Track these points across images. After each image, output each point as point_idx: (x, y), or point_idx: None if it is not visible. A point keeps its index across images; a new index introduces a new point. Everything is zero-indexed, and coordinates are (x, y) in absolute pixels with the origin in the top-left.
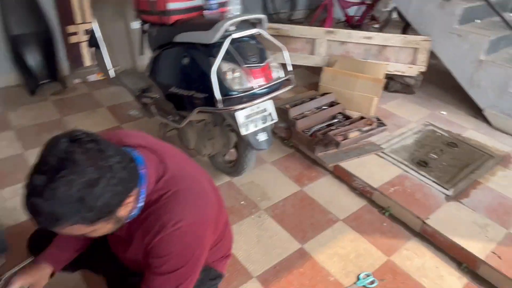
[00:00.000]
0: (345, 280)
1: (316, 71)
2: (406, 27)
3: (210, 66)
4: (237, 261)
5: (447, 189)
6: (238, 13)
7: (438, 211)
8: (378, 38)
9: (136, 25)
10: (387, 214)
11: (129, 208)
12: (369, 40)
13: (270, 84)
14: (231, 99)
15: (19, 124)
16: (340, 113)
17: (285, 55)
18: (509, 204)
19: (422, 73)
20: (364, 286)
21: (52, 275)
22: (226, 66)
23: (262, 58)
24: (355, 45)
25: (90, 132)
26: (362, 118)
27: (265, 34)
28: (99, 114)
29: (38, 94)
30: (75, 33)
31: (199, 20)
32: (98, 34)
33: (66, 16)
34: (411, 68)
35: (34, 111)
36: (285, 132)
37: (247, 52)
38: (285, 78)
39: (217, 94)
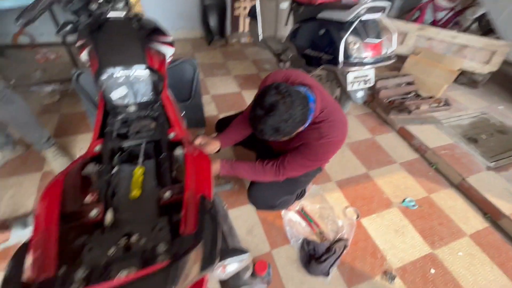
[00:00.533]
0: (394, 199)
1: (399, 58)
2: (483, 36)
3: (340, 37)
4: (324, 170)
5: (489, 162)
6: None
7: (477, 174)
8: (462, 38)
9: (284, 5)
10: (434, 167)
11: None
12: (453, 39)
13: (378, 57)
14: (348, 62)
15: (201, 62)
16: (414, 91)
17: (394, 37)
18: None
19: (489, 72)
20: (407, 206)
21: (218, 150)
22: (352, 39)
23: (378, 36)
24: (439, 42)
25: (289, 86)
26: (431, 97)
27: (384, 19)
28: (246, 63)
29: (212, 45)
30: (238, 8)
31: (339, 3)
32: (258, 8)
33: None
34: (483, 67)
35: (210, 54)
36: (369, 97)
37: (368, 31)
38: (389, 55)
39: (341, 57)
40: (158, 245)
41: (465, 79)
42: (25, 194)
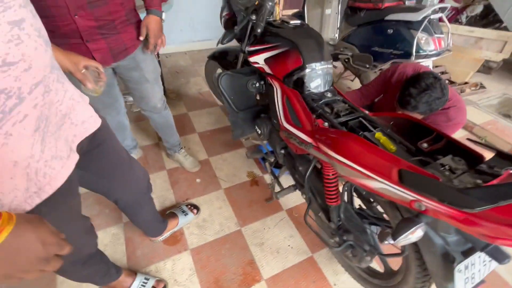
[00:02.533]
0: None
1: None
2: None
3: (412, 34)
4: None
5: None
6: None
7: None
8: (478, 31)
9: (328, 11)
10: (484, 141)
11: None
12: (470, 33)
13: (440, 50)
14: (419, 55)
15: None
16: (447, 79)
17: (449, 32)
18: None
19: (503, 60)
20: None
21: None
22: (422, 35)
23: (441, 32)
24: (458, 36)
25: (439, 77)
26: (466, 83)
27: (444, 17)
28: None
29: None
30: None
31: (404, 6)
32: (305, 15)
33: None
34: (497, 55)
35: None
36: None
37: (434, 27)
38: (448, 47)
39: (413, 51)
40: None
41: (481, 66)
42: (162, 189)
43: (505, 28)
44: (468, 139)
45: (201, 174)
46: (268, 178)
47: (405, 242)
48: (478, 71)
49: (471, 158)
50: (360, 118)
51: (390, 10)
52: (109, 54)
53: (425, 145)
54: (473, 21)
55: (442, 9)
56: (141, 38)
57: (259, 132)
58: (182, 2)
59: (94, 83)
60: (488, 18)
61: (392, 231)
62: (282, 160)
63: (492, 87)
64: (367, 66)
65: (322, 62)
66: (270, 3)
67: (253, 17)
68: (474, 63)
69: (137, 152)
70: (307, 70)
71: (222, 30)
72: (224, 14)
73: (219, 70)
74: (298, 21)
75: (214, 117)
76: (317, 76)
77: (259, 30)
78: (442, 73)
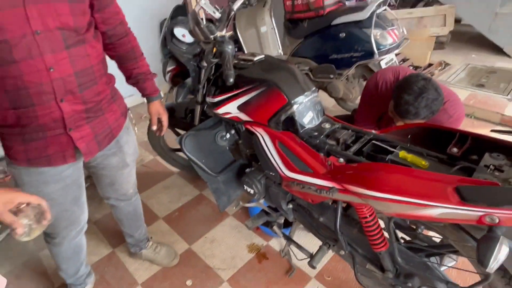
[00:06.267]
0: None
1: None
2: (414, 4)
3: (366, 33)
4: None
5: (506, 95)
6: None
7: (507, 108)
8: (416, 12)
9: (264, 28)
10: (473, 117)
11: None
12: (410, 14)
13: (398, 41)
14: (381, 51)
15: None
16: (411, 65)
17: (399, 22)
18: None
19: (450, 32)
20: None
21: None
22: (376, 31)
23: (392, 24)
24: (401, 20)
25: (428, 77)
26: (430, 65)
27: (388, 9)
28: None
29: None
30: None
31: (350, 7)
32: (240, 39)
33: None
34: (443, 29)
35: None
36: None
37: (384, 21)
38: (405, 37)
39: (375, 49)
40: None
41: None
42: None
43: (437, 2)
44: (492, 130)
45: (190, 273)
46: (276, 244)
47: (496, 264)
48: (434, 49)
49: (507, 150)
50: (372, 141)
51: (334, 14)
52: (94, 141)
53: (454, 149)
54: (402, 2)
55: (384, 2)
56: (154, 128)
57: (252, 191)
58: None
59: (27, 227)
60: None
61: (477, 258)
62: (292, 216)
63: (453, 61)
64: (332, 76)
65: (307, 93)
66: (230, 47)
67: (204, 64)
68: (427, 43)
69: (92, 279)
70: (295, 106)
71: None
72: (168, 69)
73: (181, 133)
74: (262, 56)
75: (175, 190)
76: (307, 109)
77: (231, 80)
78: (404, 60)
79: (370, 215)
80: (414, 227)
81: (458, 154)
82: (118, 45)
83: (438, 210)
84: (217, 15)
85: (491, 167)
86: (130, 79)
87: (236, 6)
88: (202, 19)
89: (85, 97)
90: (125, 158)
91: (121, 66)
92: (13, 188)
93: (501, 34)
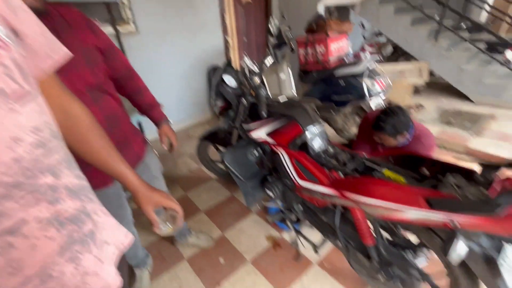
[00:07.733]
0: None
1: None
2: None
3: (360, 82)
4: None
5: (469, 132)
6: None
7: (469, 142)
8: (399, 66)
9: (283, 76)
10: (443, 148)
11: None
12: (395, 67)
13: (385, 89)
14: (371, 95)
15: None
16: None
17: (385, 75)
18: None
19: (425, 82)
20: None
21: None
22: (368, 81)
23: (380, 75)
24: (386, 72)
25: (403, 107)
26: (410, 107)
27: (377, 65)
28: None
29: None
30: None
31: (349, 62)
32: (265, 82)
33: None
34: (419, 80)
35: None
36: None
37: (374, 73)
38: (389, 86)
39: (367, 93)
40: None
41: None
42: (189, 281)
43: (414, 58)
44: (480, 163)
45: (223, 253)
46: (287, 236)
47: (457, 257)
48: (412, 94)
49: (463, 172)
50: (364, 162)
51: (336, 67)
52: None
53: (425, 170)
54: (387, 58)
55: (373, 60)
56: (166, 147)
57: (272, 194)
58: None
59: (162, 224)
60: (398, 53)
61: (443, 251)
62: (301, 215)
63: (427, 104)
64: (333, 112)
65: (316, 125)
66: (263, 91)
67: (244, 101)
68: (407, 90)
69: (150, 261)
70: (308, 134)
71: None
72: (218, 105)
73: (222, 149)
74: (286, 98)
75: (214, 191)
76: (316, 137)
77: (264, 113)
78: (389, 103)
79: (361, 217)
80: (394, 228)
81: (428, 174)
82: (125, 84)
83: (411, 213)
84: (256, 69)
85: (452, 184)
86: (141, 110)
87: (268, 63)
88: (248, 72)
89: (115, 135)
90: (152, 172)
91: (132, 101)
92: (164, 192)
93: (466, 85)
